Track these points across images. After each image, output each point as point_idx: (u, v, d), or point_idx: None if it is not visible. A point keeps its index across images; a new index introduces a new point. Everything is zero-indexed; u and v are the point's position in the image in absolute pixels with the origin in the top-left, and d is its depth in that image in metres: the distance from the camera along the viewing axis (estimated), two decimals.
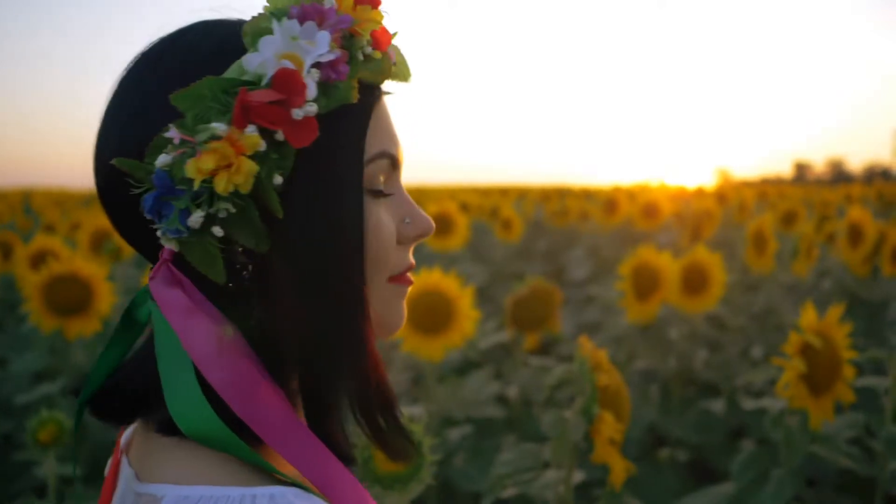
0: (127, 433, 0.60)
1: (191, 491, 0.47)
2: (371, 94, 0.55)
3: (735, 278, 2.97)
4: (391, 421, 0.57)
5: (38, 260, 2.56)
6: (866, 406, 1.61)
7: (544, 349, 3.27)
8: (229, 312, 0.52)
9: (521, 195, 11.93)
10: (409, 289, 0.62)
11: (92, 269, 2.14)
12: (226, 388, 0.47)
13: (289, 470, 0.51)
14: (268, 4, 0.52)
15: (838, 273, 3.37)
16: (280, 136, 0.49)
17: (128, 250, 3.06)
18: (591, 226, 6.22)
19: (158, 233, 0.50)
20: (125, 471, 0.54)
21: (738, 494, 1.35)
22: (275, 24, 0.50)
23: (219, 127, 0.48)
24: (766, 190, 12.26)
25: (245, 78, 0.49)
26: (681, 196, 7.39)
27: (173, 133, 0.48)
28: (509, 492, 1.17)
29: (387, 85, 0.59)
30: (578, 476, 1.15)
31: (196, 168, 0.47)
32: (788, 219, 4.59)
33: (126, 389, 0.54)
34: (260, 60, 0.50)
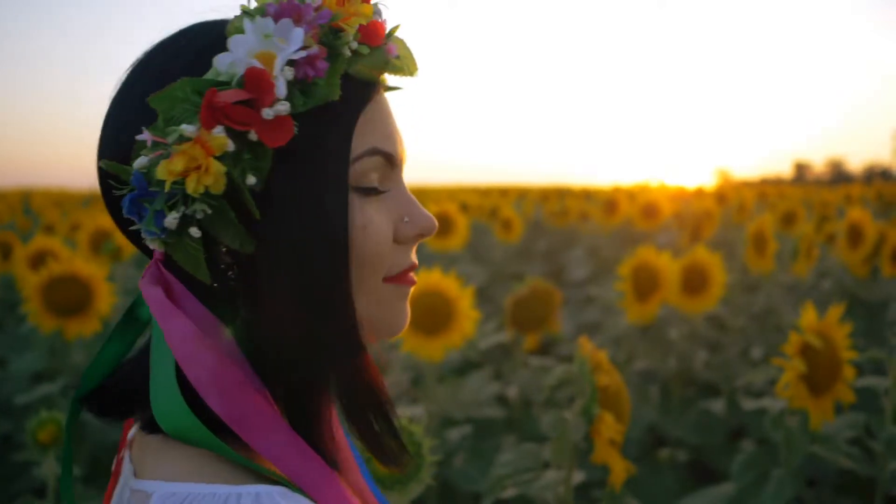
0: (133, 428, 0.60)
1: (179, 488, 0.47)
2: (363, 90, 0.54)
3: (735, 279, 2.97)
4: (384, 425, 0.57)
5: (38, 260, 2.56)
6: (866, 406, 1.61)
7: (544, 349, 3.27)
8: (218, 312, 0.52)
9: (520, 195, 11.93)
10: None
11: (91, 269, 2.14)
12: (204, 386, 0.48)
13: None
14: (245, 3, 0.52)
15: (838, 273, 3.37)
16: (253, 136, 0.48)
17: (127, 251, 3.06)
18: (590, 226, 6.22)
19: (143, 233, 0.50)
20: (126, 466, 0.54)
21: (738, 495, 1.35)
22: (246, 23, 0.50)
23: (187, 128, 0.48)
24: (766, 190, 12.27)
25: (220, 78, 0.49)
26: (681, 196, 7.39)
27: (145, 135, 0.49)
28: (509, 492, 1.17)
29: (392, 80, 0.58)
30: (578, 476, 1.15)
31: (167, 170, 0.47)
32: (788, 219, 4.59)
33: (124, 386, 0.55)
34: (230, 60, 0.49)
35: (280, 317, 0.50)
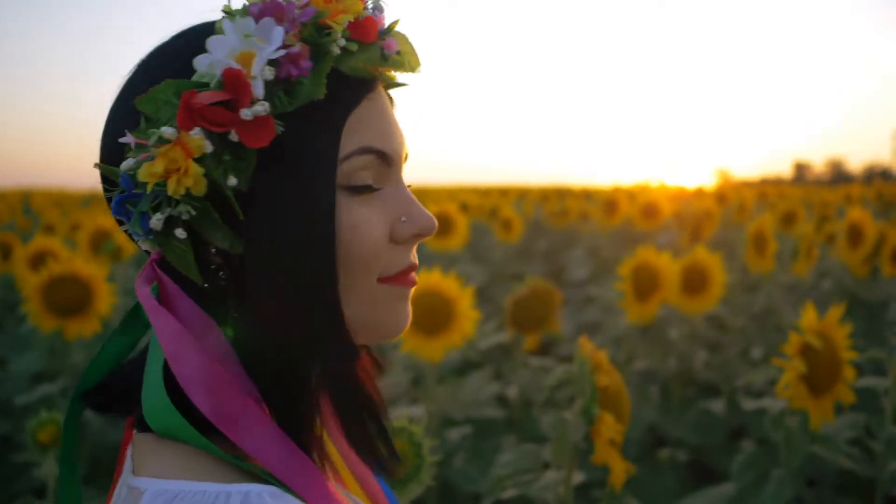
0: None
1: (170, 485, 0.48)
2: (356, 88, 0.53)
3: (735, 279, 2.97)
4: (376, 429, 0.55)
5: (38, 260, 2.56)
6: (866, 406, 1.61)
7: (544, 350, 3.27)
8: (212, 312, 0.52)
9: (520, 195, 11.93)
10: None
11: (91, 269, 2.14)
12: (190, 384, 0.48)
13: None
14: (227, 4, 0.52)
15: (838, 273, 3.37)
16: (234, 137, 0.48)
17: (127, 251, 3.06)
18: (590, 226, 6.22)
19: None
20: (127, 463, 0.55)
21: (738, 495, 1.35)
22: (226, 24, 0.50)
23: (166, 130, 0.48)
24: (766, 190, 12.26)
25: (203, 80, 0.49)
26: (680, 196, 7.39)
27: (129, 138, 0.49)
28: (509, 493, 1.17)
29: (397, 77, 0.58)
30: (578, 477, 1.15)
31: (149, 172, 0.48)
32: (788, 219, 4.59)
33: (124, 384, 0.55)
34: (209, 61, 0.49)
35: (267, 317, 0.50)
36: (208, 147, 0.48)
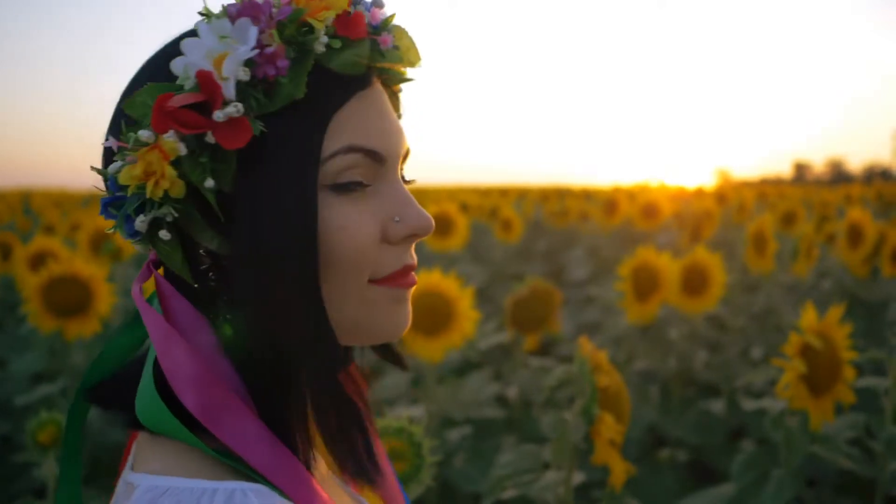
0: None
1: (161, 481, 0.48)
2: (344, 85, 0.53)
3: (735, 279, 2.97)
4: (356, 434, 0.54)
5: (38, 261, 2.56)
6: (866, 407, 1.61)
7: (544, 350, 3.27)
8: (205, 312, 0.53)
9: (520, 195, 11.93)
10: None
11: (91, 269, 2.13)
12: (175, 380, 0.48)
13: None
14: (207, 6, 0.52)
15: (838, 273, 3.37)
16: (211, 138, 0.48)
17: (127, 251, 3.06)
18: (590, 226, 6.22)
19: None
20: (130, 459, 0.55)
21: (738, 495, 1.35)
22: (201, 26, 0.49)
23: (143, 133, 0.48)
24: (766, 190, 12.27)
25: (180, 82, 0.49)
26: (680, 196, 7.39)
27: (111, 141, 0.50)
28: (509, 493, 1.17)
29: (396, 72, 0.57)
30: (578, 477, 1.15)
31: (129, 175, 0.48)
32: (788, 219, 4.59)
33: (127, 381, 0.55)
34: (184, 63, 0.49)
35: (250, 317, 0.50)
36: (182, 150, 0.48)
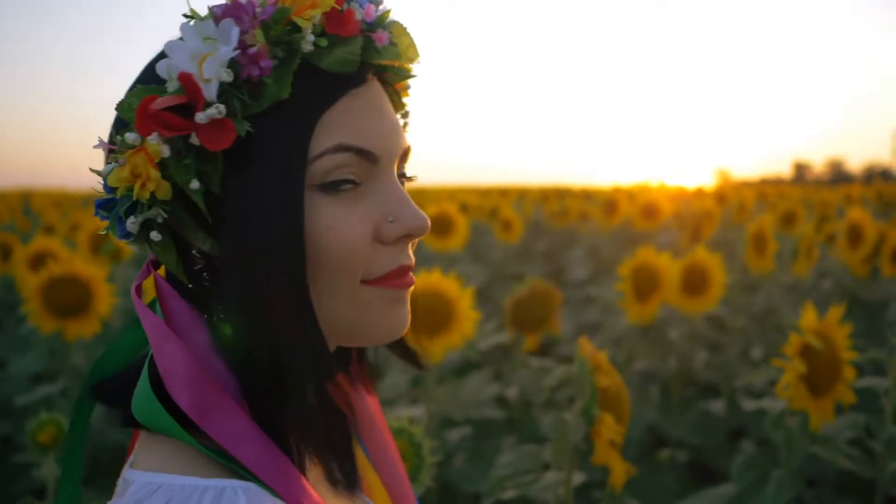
0: None
1: (154, 478, 0.49)
2: (335, 84, 0.52)
3: (735, 279, 2.97)
4: (337, 439, 0.52)
5: (38, 261, 2.56)
6: (866, 407, 1.61)
7: (544, 350, 3.27)
8: (202, 313, 0.53)
9: (520, 196, 11.93)
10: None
11: (91, 270, 2.13)
12: (168, 377, 0.49)
13: None
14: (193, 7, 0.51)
15: (838, 273, 3.37)
16: (195, 140, 0.48)
17: (127, 251, 3.06)
18: (590, 226, 6.22)
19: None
20: (130, 457, 0.56)
21: (739, 495, 1.35)
22: (184, 27, 0.49)
23: (129, 136, 0.49)
24: (766, 190, 12.27)
25: (166, 85, 0.49)
26: (680, 196, 7.39)
27: (101, 143, 0.50)
28: (509, 493, 1.17)
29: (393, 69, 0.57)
30: (579, 477, 1.15)
31: (117, 177, 0.49)
32: (788, 219, 4.59)
33: (130, 379, 0.55)
34: (167, 65, 0.49)
35: (239, 318, 0.50)
36: (166, 152, 0.48)
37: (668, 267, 2.44)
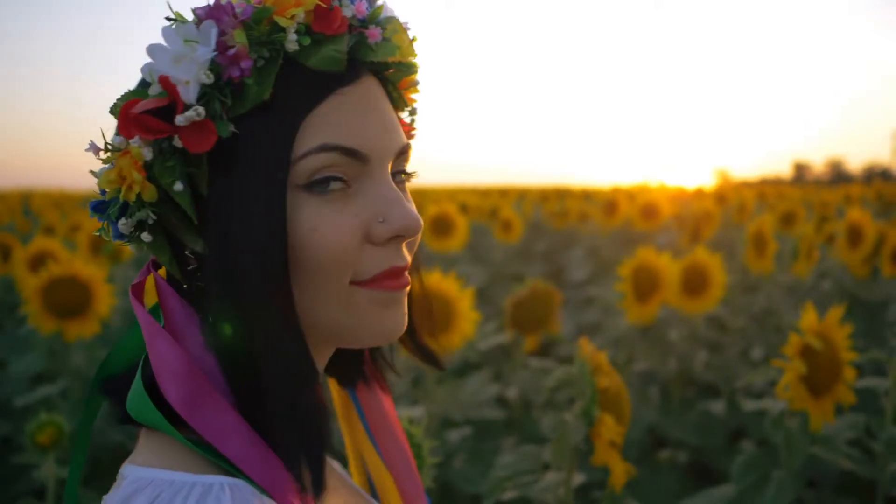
0: None
1: (146, 473, 0.49)
2: (320, 83, 0.52)
3: (735, 279, 2.97)
4: (308, 442, 0.50)
5: (38, 262, 2.56)
6: (866, 407, 1.61)
7: (544, 351, 3.27)
8: (199, 312, 0.54)
9: (520, 196, 11.93)
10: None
11: (91, 270, 2.13)
12: (159, 373, 0.49)
13: None
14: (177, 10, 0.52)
15: (838, 274, 3.37)
16: (178, 142, 0.49)
17: (127, 252, 3.06)
18: (590, 227, 6.22)
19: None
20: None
21: (739, 496, 1.35)
22: (165, 30, 0.49)
23: (115, 139, 0.49)
24: (766, 190, 12.26)
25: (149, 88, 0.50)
26: (680, 197, 7.39)
27: (92, 146, 0.51)
28: (509, 494, 1.17)
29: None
30: (579, 478, 1.15)
31: (106, 179, 0.49)
32: (788, 219, 4.59)
33: (132, 377, 0.56)
34: (149, 68, 0.49)
35: (222, 317, 0.51)
36: (147, 155, 0.49)
37: (668, 267, 2.44)
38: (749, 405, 1.76)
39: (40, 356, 2.58)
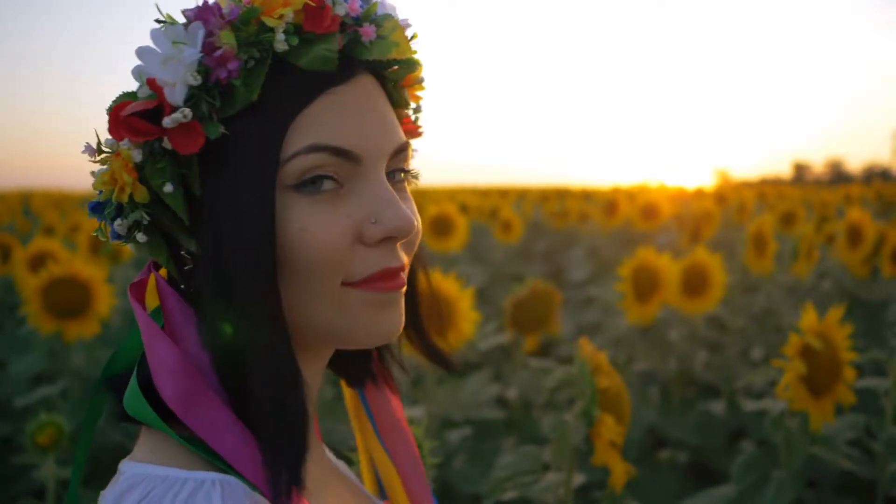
0: None
1: (141, 468, 0.50)
2: (310, 83, 0.51)
3: (735, 279, 2.97)
4: (281, 444, 0.49)
5: (38, 262, 2.56)
6: (866, 407, 1.61)
7: (544, 351, 3.26)
8: (196, 311, 0.54)
9: (520, 196, 11.93)
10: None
11: (91, 271, 2.13)
12: (154, 370, 0.50)
13: None
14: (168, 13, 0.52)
15: (838, 274, 3.36)
16: (167, 144, 0.49)
17: (126, 252, 3.06)
18: (590, 227, 6.22)
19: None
20: None
21: (739, 496, 1.35)
22: (153, 32, 0.49)
23: (108, 141, 0.50)
24: (766, 190, 12.27)
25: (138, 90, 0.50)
26: (680, 197, 7.39)
27: (88, 148, 0.51)
28: (509, 494, 1.17)
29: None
30: (579, 478, 1.14)
31: (100, 181, 0.50)
32: (788, 219, 4.59)
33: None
34: (139, 70, 0.49)
35: (215, 317, 0.51)
36: (136, 157, 0.49)
37: (668, 267, 2.44)
38: (749, 405, 1.76)
39: (40, 356, 2.58)
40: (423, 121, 0.64)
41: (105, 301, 2.14)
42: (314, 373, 0.61)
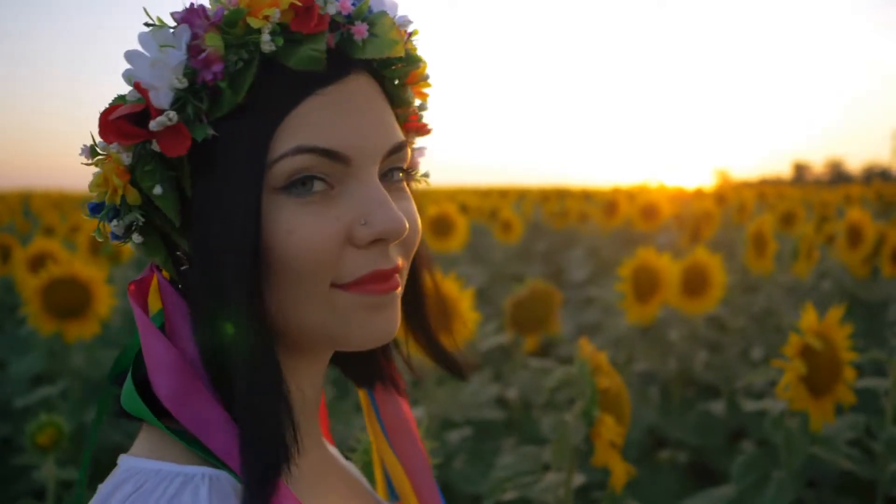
0: None
1: (136, 462, 0.51)
2: (299, 83, 0.51)
3: (735, 279, 2.97)
4: (257, 442, 0.49)
5: (37, 262, 2.56)
6: (866, 407, 1.61)
7: (544, 351, 3.26)
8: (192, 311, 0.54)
9: (520, 196, 11.93)
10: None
11: (91, 271, 2.13)
12: (150, 367, 0.51)
13: None
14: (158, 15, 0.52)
15: (838, 274, 3.36)
16: (156, 146, 0.49)
17: (126, 252, 3.06)
18: (590, 227, 6.22)
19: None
20: None
21: (739, 496, 1.35)
22: (142, 35, 0.49)
23: (100, 144, 0.50)
24: (766, 190, 12.28)
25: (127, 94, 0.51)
26: (680, 197, 7.39)
27: (83, 151, 0.52)
28: (509, 495, 1.17)
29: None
30: (579, 479, 1.14)
31: (94, 184, 0.51)
32: (788, 219, 4.59)
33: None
34: (128, 74, 0.50)
35: (204, 316, 0.52)
36: (126, 160, 0.49)
37: (669, 268, 2.43)
38: (749, 405, 1.76)
39: (40, 357, 2.58)
40: (425, 120, 0.64)
41: (105, 301, 2.14)
42: (314, 373, 0.61)
